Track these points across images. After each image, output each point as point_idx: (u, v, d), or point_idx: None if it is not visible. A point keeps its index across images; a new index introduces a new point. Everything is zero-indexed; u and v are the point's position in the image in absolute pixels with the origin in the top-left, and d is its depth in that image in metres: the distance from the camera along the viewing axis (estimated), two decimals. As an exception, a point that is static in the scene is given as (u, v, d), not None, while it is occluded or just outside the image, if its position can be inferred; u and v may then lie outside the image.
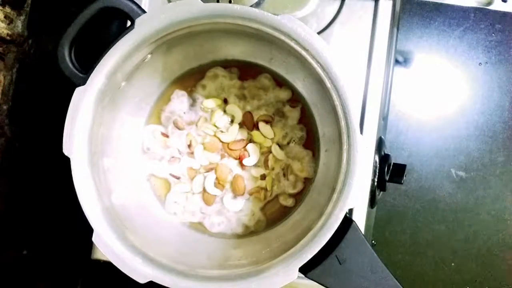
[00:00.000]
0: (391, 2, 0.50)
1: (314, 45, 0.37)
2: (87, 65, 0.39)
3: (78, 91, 0.38)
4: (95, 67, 0.38)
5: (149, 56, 0.41)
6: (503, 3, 0.53)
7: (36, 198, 0.53)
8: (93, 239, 0.37)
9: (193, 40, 0.42)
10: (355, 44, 0.50)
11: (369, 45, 0.50)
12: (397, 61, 0.51)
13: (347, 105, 0.37)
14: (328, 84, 0.38)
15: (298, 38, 0.37)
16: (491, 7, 0.53)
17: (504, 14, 0.53)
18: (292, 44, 0.37)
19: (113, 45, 0.38)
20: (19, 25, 0.51)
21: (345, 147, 0.37)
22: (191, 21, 0.38)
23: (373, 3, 0.50)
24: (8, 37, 0.50)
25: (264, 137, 0.47)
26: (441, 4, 0.52)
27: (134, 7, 0.39)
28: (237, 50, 0.46)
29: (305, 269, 0.37)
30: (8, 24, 0.50)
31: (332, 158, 0.43)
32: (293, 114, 0.47)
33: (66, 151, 0.38)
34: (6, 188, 0.50)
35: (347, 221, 0.38)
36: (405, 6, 0.51)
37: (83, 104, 0.38)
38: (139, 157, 0.47)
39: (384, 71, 0.50)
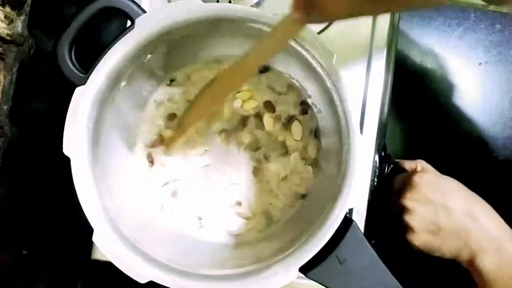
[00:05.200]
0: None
1: (314, 45, 0.37)
2: (87, 65, 0.38)
3: (78, 91, 0.38)
4: (95, 67, 0.38)
5: (149, 55, 0.41)
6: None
7: (36, 198, 0.53)
8: (93, 239, 0.37)
9: (193, 40, 0.42)
10: (355, 44, 0.50)
11: (369, 45, 0.50)
12: (397, 61, 0.51)
13: (347, 105, 0.37)
14: (329, 84, 0.38)
15: (298, 38, 0.37)
16: (491, 8, 0.53)
17: (504, 15, 0.53)
18: (292, 44, 0.37)
19: (113, 45, 0.38)
20: (19, 25, 0.51)
21: (345, 147, 0.37)
22: (191, 21, 0.38)
23: (373, 3, 0.50)
24: (8, 37, 0.50)
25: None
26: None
27: (134, 7, 0.39)
28: (237, 49, 0.46)
29: (305, 269, 0.37)
30: (8, 24, 0.50)
31: (332, 158, 0.43)
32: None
33: (66, 151, 0.38)
34: (6, 188, 0.50)
35: (347, 221, 0.38)
36: (405, 6, 0.51)
37: (83, 104, 0.38)
38: (139, 157, 0.47)
39: (384, 71, 0.50)
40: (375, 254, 0.38)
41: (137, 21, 0.38)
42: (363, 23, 0.50)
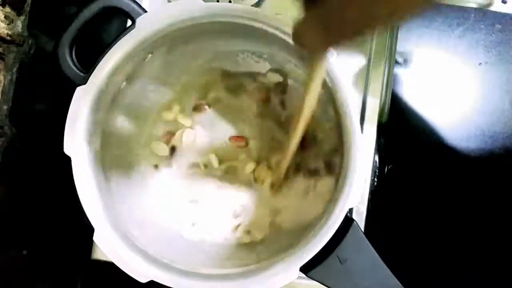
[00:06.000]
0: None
1: None
2: (88, 64, 0.38)
3: (79, 90, 0.38)
4: (96, 66, 0.38)
5: (149, 55, 0.41)
6: (503, 4, 0.53)
7: (36, 198, 0.53)
8: (94, 238, 0.37)
9: (194, 39, 0.42)
10: (354, 44, 0.50)
11: (369, 45, 0.50)
12: (396, 61, 0.51)
13: (347, 104, 0.37)
14: (329, 84, 0.38)
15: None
16: (491, 8, 0.53)
17: (504, 15, 0.53)
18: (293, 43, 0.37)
19: (114, 44, 0.38)
20: (19, 25, 0.51)
21: (345, 146, 0.37)
22: (192, 20, 0.38)
23: (373, 3, 0.50)
24: (8, 37, 0.49)
25: None
26: (441, 4, 0.52)
27: (135, 6, 0.39)
28: (239, 47, 0.46)
29: (306, 269, 0.37)
30: (8, 24, 0.50)
31: (333, 158, 0.43)
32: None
33: (67, 150, 0.38)
34: (6, 188, 0.50)
35: (348, 221, 0.38)
36: (405, 6, 0.51)
37: (84, 103, 0.38)
38: (143, 157, 0.47)
39: (384, 71, 0.50)
40: (376, 254, 0.38)
41: (137, 20, 0.38)
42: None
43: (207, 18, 0.38)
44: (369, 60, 0.50)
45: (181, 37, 0.40)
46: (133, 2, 0.39)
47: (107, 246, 0.37)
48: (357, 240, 0.38)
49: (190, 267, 0.39)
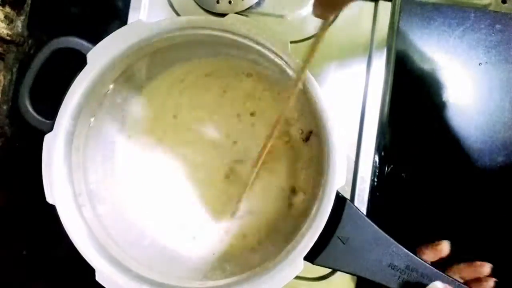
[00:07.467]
0: (390, 3, 0.50)
1: (267, 37, 0.37)
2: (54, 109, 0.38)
3: (47, 138, 0.38)
4: (58, 110, 0.37)
5: (111, 86, 0.41)
6: (503, 4, 0.53)
7: (36, 199, 0.53)
8: (97, 278, 0.37)
9: (152, 59, 0.42)
10: (355, 44, 0.50)
11: (369, 45, 0.50)
12: (396, 61, 0.51)
13: (314, 89, 0.37)
14: (290, 73, 0.38)
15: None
16: (491, 8, 0.53)
17: (504, 15, 0.52)
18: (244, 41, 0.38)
19: (71, 84, 0.37)
20: (19, 25, 0.51)
21: (322, 130, 0.37)
22: (142, 43, 0.38)
23: (372, 4, 0.50)
24: (8, 37, 0.50)
25: None
26: (441, 4, 0.52)
27: (84, 42, 0.38)
28: (200, 53, 0.45)
29: (311, 257, 0.37)
30: (8, 24, 0.50)
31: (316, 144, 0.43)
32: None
33: (49, 199, 0.37)
34: (5, 188, 0.50)
35: (341, 200, 0.37)
36: (405, 6, 0.51)
37: (55, 150, 0.38)
38: (126, 189, 0.47)
39: (384, 71, 0.50)
40: (375, 226, 0.37)
41: (88, 56, 0.37)
42: (363, 23, 0.50)
43: (156, 37, 0.38)
44: (369, 60, 0.50)
45: (137, 60, 0.40)
46: (82, 39, 0.38)
47: (112, 283, 0.37)
48: (354, 217, 0.37)
49: (201, 276, 0.39)
